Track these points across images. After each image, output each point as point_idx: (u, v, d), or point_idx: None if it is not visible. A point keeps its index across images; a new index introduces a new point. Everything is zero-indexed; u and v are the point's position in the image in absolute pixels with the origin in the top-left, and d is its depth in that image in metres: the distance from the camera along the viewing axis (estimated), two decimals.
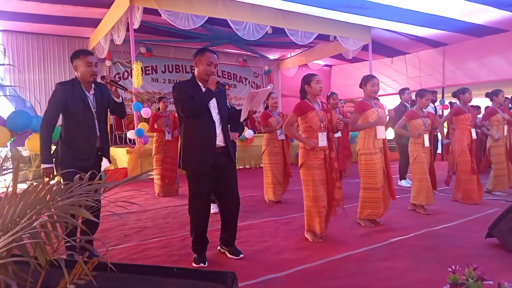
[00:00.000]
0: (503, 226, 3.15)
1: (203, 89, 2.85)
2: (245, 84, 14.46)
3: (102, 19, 9.19)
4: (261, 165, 9.94)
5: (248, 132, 9.55)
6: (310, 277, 2.69)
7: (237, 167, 5.18)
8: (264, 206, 5.23)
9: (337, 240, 3.58)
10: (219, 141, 2.90)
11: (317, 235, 3.52)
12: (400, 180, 6.65)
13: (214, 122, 2.87)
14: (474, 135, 5.06)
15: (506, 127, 5.72)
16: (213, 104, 2.89)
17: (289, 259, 3.05)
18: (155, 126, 6.03)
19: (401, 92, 6.59)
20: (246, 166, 10.15)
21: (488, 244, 3.27)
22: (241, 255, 3.07)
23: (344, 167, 5.88)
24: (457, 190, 5.14)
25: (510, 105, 7.19)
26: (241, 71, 14.31)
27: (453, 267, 1.53)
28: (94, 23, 9.52)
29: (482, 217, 4.24)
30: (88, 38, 10.78)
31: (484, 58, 10.76)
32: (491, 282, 1.48)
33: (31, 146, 6.44)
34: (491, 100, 5.81)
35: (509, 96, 7.12)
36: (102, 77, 3.12)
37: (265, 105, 5.70)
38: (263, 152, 5.43)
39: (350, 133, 6.78)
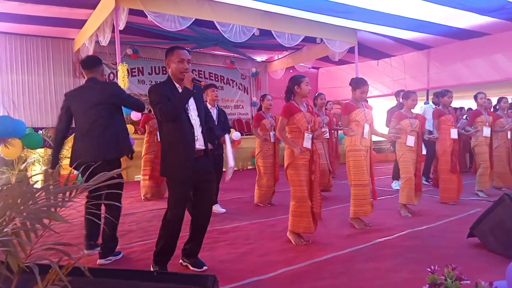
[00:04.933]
0: (484, 226, 3.21)
1: (180, 90, 2.72)
2: (233, 86, 14.44)
3: (87, 20, 9.08)
4: (249, 167, 9.99)
5: (235, 134, 9.54)
6: (295, 278, 2.70)
7: (224, 169, 5.20)
8: (250, 208, 5.23)
9: (323, 241, 3.59)
10: (199, 144, 2.80)
11: (300, 238, 3.53)
12: (393, 181, 6.71)
13: (193, 126, 2.76)
14: (455, 136, 5.12)
15: (489, 129, 5.82)
16: (192, 106, 2.79)
17: (275, 261, 3.05)
18: (147, 127, 6.06)
19: (397, 94, 6.68)
20: (234, 168, 10.13)
21: (469, 244, 3.32)
22: (205, 267, 2.88)
23: (334, 168, 5.93)
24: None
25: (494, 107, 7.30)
26: (228, 73, 14.28)
27: (432, 267, 1.55)
28: (79, 24, 9.39)
29: (464, 217, 4.31)
30: (73, 39, 10.64)
31: (468, 60, 10.95)
32: (468, 282, 1.51)
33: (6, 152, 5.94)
34: (476, 102, 5.92)
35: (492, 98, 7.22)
36: None
37: (258, 106, 5.67)
38: (257, 155, 5.40)
39: (338, 134, 6.86)
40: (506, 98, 6.44)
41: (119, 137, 3.21)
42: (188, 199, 2.83)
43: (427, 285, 1.53)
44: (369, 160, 4.07)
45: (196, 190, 2.84)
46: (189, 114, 2.75)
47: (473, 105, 6.38)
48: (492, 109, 6.74)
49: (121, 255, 3.29)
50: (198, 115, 2.83)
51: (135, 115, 7.81)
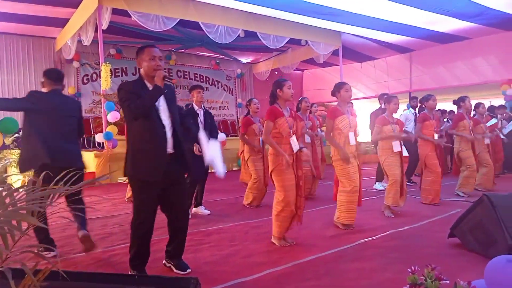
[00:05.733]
0: (464, 227, 3.28)
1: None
2: (218, 87, 14.41)
3: (69, 19, 8.93)
4: (234, 169, 9.95)
5: (220, 135, 9.50)
6: (279, 280, 2.70)
7: (209, 171, 5.17)
8: (234, 210, 5.21)
9: (307, 242, 3.61)
10: (169, 147, 2.68)
11: (285, 239, 3.54)
12: (376, 183, 6.78)
13: (164, 126, 2.65)
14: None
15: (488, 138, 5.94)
16: (162, 107, 2.68)
17: (259, 263, 3.04)
18: None
19: (380, 97, 6.71)
20: (222, 168, 10.07)
21: (450, 243, 3.39)
22: (188, 270, 2.80)
23: (319, 172, 5.95)
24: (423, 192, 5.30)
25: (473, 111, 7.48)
26: (213, 74, 14.25)
27: (413, 267, 1.57)
28: (61, 23, 9.23)
29: (446, 217, 4.39)
30: (55, 38, 10.45)
31: (449, 64, 11.18)
32: (447, 282, 1.53)
33: None
34: (458, 107, 6.02)
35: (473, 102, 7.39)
36: None
37: (246, 111, 5.65)
38: (248, 159, 5.38)
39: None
40: (483, 103, 6.58)
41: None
42: (155, 204, 2.71)
43: (408, 285, 1.55)
44: (357, 166, 4.04)
45: (166, 194, 2.73)
46: (160, 115, 2.65)
47: (455, 108, 6.49)
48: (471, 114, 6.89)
49: None
50: (169, 117, 2.72)
51: (113, 116, 7.69)
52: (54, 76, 3.46)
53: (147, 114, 2.58)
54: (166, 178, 2.65)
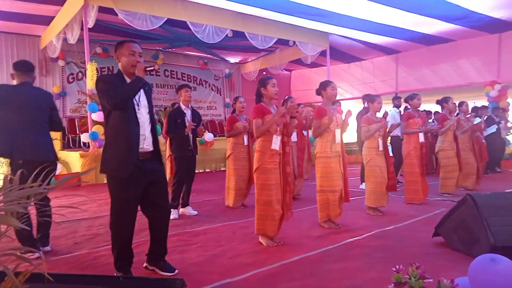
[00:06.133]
0: (448, 226, 3.33)
1: None
2: (205, 87, 14.36)
3: (54, 16, 8.79)
4: (222, 169, 9.94)
5: (208, 136, 9.49)
6: (265, 280, 2.70)
7: (196, 171, 5.15)
8: (222, 210, 5.20)
9: (294, 242, 3.62)
10: (147, 144, 2.63)
11: (272, 239, 3.54)
12: (362, 183, 6.83)
13: (143, 122, 2.60)
14: (422, 139, 5.28)
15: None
16: (143, 103, 2.64)
17: (245, 263, 3.04)
18: None
19: (364, 97, 6.76)
20: (206, 170, 10.05)
21: (434, 242, 3.44)
22: (176, 271, 2.75)
23: (301, 171, 5.97)
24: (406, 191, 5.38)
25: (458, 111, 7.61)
26: (201, 74, 14.20)
27: (397, 266, 1.59)
28: (46, 20, 9.09)
29: (430, 217, 4.45)
30: (40, 36, 10.28)
31: (434, 65, 11.37)
32: (431, 280, 1.56)
33: None
34: (441, 107, 6.12)
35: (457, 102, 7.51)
36: None
37: (232, 109, 5.63)
38: (228, 157, 5.33)
39: (309, 136, 6.91)
40: (466, 102, 6.71)
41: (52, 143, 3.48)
42: (135, 204, 2.64)
43: (392, 284, 1.57)
44: (342, 165, 4.08)
45: (147, 194, 2.66)
46: (139, 110, 2.60)
47: (439, 109, 6.59)
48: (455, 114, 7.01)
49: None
50: (149, 112, 2.68)
51: (98, 116, 7.60)
52: (23, 67, 3.40)
53: (126, 104, 2.50)
54: (146, 177, 2.61)
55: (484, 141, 7.54)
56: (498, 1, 7.75)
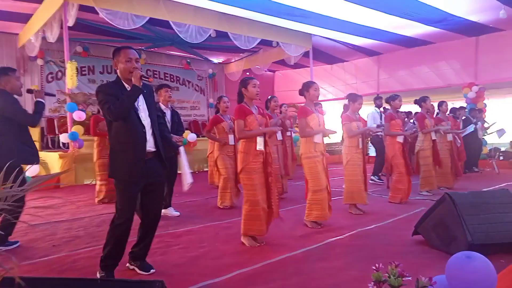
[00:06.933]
0: (427, 224, 3.39)
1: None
2: (188, 87, 14.27)
3: (33, 14, 8.58)
4: (205, 169, 9.87)
5: (190, 136, 9.42)
6: (247, 280, 2.70)
7: (178, 171, 5.09)
8: (204, 211, 5.17)
9: (276, 242, 3.63)
10: (149, 146, 2.73)
11: (255, 240, 3.54)
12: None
13: (144, 126, 2.70)
14: (401, 139, 5.35)
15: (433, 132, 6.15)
16: (142, 107, 2.73)
17: (228, 264, 3.03)
18: (97, 130, 5.71)
19: (348, 96, 6.83)
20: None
21: (414, 241, 3.50)
22: (152, 270, 2.83)
23: (287, 170, 5.99)
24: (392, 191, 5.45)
25: (437, 111, 7.76)
26: (184, 74, 14.09)
27: (377, 265, 1.61)
28: (24, 18, 8.86)
29: (410, 216, 4.53)
30: (17, 34, 10.02)
31: (414, 67, 11.58)
32: (409, 278, 1.58)
33: None
34: (420, 107, 6.24)
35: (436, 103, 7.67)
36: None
37: (216, 109, 5.60)
38: (217, 158, 5.31)
39: (293, 136, 6.95)
40: (446, 102, 6.86)
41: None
42: (134, 199, 2.74)
43: (372, 283, 1.59)
44: (325, 164, 4.14)
45: (145, 192, 2.78)
46: (140, 115, 2.69)
47: (418, 109, 6.72)
48: (434, 114, 7.16)
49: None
50: (149, 115, 2.76)
51: (77, 115, 7.46)
52: None
53: (127, 115, 2.60)
54: (147, 178, 2.71)
55: (459, 143, 7.72)
56: (475, 4, 7.94)
